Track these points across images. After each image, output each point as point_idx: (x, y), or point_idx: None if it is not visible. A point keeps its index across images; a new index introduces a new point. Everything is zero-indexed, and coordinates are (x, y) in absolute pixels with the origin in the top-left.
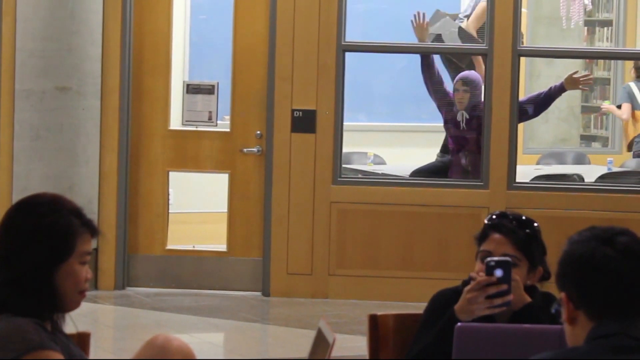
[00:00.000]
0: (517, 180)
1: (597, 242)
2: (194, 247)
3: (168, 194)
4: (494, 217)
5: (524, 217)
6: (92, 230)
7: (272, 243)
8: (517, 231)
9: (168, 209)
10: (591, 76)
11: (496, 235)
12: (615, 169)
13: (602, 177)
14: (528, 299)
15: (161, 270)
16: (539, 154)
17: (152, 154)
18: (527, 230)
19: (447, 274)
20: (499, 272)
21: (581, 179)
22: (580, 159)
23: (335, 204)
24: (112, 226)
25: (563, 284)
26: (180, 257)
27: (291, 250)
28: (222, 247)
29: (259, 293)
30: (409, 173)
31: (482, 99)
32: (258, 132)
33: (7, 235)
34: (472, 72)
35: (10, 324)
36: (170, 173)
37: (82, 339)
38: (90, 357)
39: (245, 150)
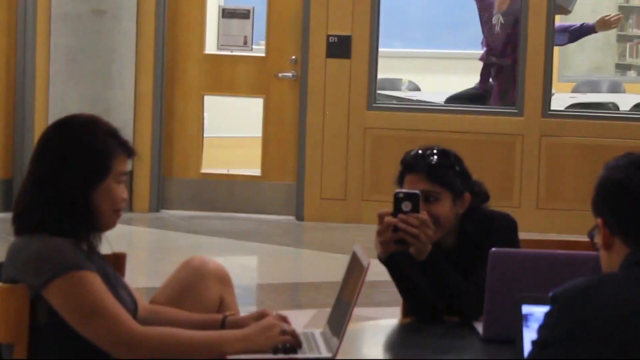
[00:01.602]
0: (552, 107)
1: (634, 167)
2: (228, 171)
3: (203, 118)
4: (407, 158)
5: (436, 150)
6: (128, 151)
7: (306, 168)
8: (430, 166)
9: (203, 133)
10: (621, 15)
11: (411, 176)
12: None
13: (637, 106)
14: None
15: (195, 193)
16: (574, 82)
17: (187, 78)
18: (441, 162)
19: None
20: (407, 205)
21: (616, 107)
22: (615, 88)
23: (370, 130)
24: (147, 149)
25: (599, 209)
26: (214, 181)
27: (325, 175)
28: (257, 171)
29: (292, 217)
30: (443, 100)
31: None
32: (293, 57)
33: (45, 155)
34: None
35: (48, 243)
36: (205, 97)
37: (118, 260)
38: (125, 279)
39: (280, 75)
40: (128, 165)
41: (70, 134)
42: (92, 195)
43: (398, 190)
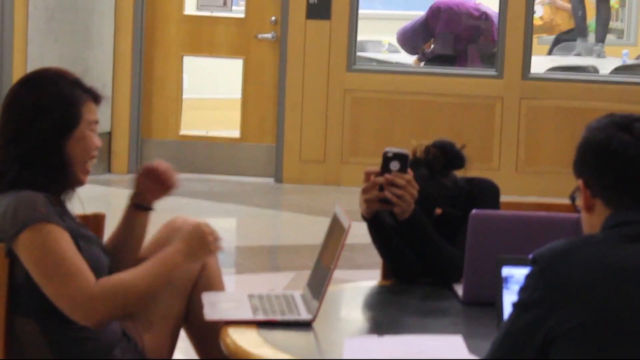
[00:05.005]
0: (532, 70)
1: (615, 128)
2: (207, 132)
3: (182, 79)
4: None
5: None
6: (95, 96)
7: (286, 129)
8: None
9: (182, 94)
10: None
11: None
12: (630, 62)
13: (617, 69)
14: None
15: (174, 155)
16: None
17: (166, 38)
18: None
19: None
20: (395, 165)
21: (596, 70)
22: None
23: (349, 92)
24: (126, 110)
25: (580, 170)
26: (193, 143)
27: (304, 137)
28: (236, 133)
29: (271, 179)
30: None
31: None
32: (273, 17)
33: (13, 111)
34: None
35: (20, 196)
36: (185, 58)
37: (97, 221)
38: (104, 239)
39: (259, 36)
40: (97, 113)
41: (36, 87)
42: (66, 146)
43: (387, 149)
